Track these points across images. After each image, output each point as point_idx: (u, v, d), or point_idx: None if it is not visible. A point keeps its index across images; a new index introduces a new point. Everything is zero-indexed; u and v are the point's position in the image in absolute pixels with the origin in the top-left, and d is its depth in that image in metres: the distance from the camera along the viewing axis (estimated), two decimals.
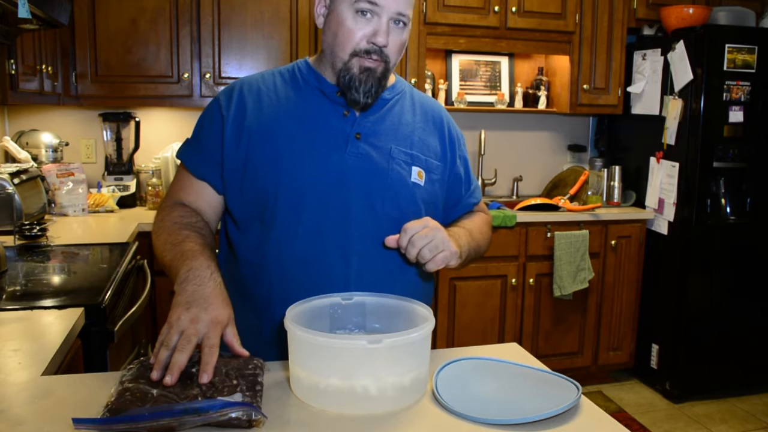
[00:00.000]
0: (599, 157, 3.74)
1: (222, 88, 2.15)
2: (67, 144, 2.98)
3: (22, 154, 2.73)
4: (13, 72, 2.20)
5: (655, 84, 3.34)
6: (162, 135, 3.21)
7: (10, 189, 2.27)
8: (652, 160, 3.36)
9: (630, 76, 3.52)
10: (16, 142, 2.79)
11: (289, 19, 2.98)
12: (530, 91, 3.60)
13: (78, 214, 2.75)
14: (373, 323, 1.13)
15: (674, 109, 3.17)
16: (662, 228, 3.30)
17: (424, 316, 1.04)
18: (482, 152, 3.53)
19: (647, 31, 3.49)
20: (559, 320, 3.27)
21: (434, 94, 3.43)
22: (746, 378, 3.31)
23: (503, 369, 1.10)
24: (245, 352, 1.03)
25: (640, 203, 3.47)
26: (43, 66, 2.53)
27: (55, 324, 1.31)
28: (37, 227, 2.19)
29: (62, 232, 2.40)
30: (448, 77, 3.52)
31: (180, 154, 1.30)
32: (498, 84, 3.61)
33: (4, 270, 1.75)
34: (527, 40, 3.31)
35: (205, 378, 0.94)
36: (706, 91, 3.06)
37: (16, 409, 0.92)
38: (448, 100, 3.48)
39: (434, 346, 1.78)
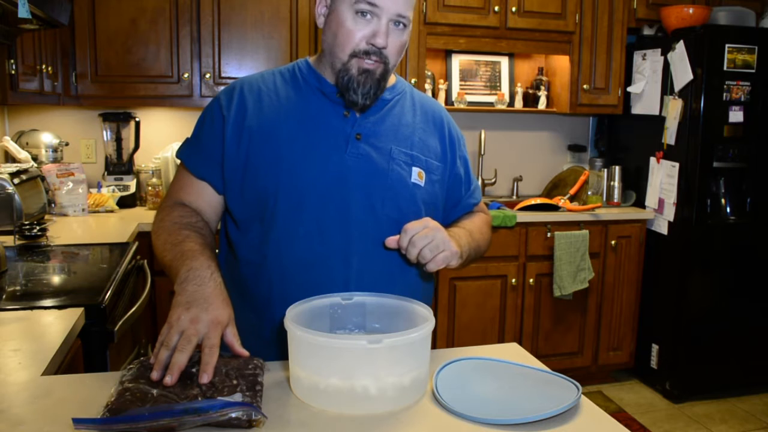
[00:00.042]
0: (599, 157, 3.74)
1: (222, 88, 2.16)
2: (67, 144, 2.98)
3: (22, 154, 2.73)
4: (13, 72, 2.20)
5: (655, 84, 3.34)
6: (162, 135, 3.21)
7: (10, 189, 2.27)
8: (652, 160, 3.36)
9: (630, 76, 3.52)
10: (16, 142, 2.79)
11: (289, 19, 2.99)
12: (530, 91, 3.60)
13: (78, 214, 2.75)
14: (373, 323, 1.13)
15: (674, 109, 3.17)
16: (662, 228, 3.30)
17: (424, 316, 1.04)
18: (482, 152, 3.53)
19: (647, 31, 3.49)
20: (559, 320, 3.27)
21: (434, 94, 3.43)
22: (746, 378, 3.31)
23: (503, 369, 1.10)
24: (245, 353, 1.03)
25: (640, 203, 3.47)
26: (43, 66, 2.53)
27: (55, 324, 1.31)
28: (37, 227, 2.19)
29: (62, 232, 2.40)
30: (448, 77, 3.52)
31: (180, 153, 1.30)
32: (498, 84, 3.61)
33: (4, 270, 1.75)
34: (527, 40, 3.31)
35: (205, 378, 0.94)
36: (706, 91, 3.06)
37: (16, 409, 0.92)
38: (448, 100, 3.48)
39: (434, 346, 1.78)
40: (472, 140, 3.53)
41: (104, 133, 3.10)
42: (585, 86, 3.42)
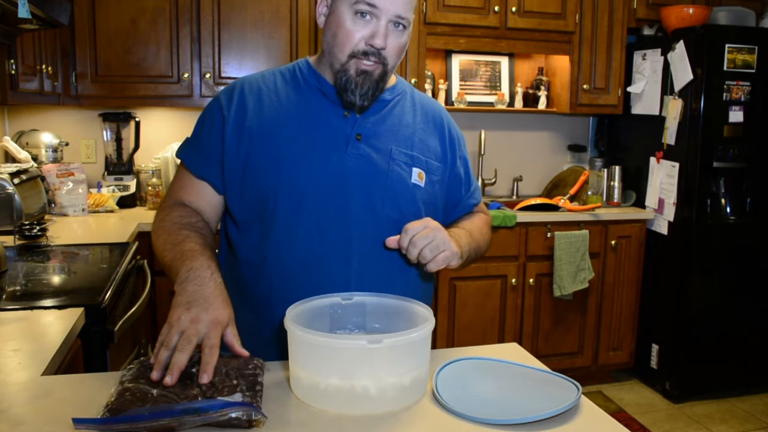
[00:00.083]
0: (599, 157, 3.74)
1: (222, 88, 2.16)
2: (67, 144, 2.98)
3: (22, 154, 2.73)
4: (13, 72, 2.20)
5: (655, 84, 3.34)
6: (162, 135, 3.21)
7: (10, 189, 2.27)
8: (652, 160, 3.36)
9: (630, 76, 3.52)
10: (16, 142, 2.79)
11: (289, 19, 2.99)
12: (530, 91, 3.60)
13: (78, 214, 2.75)
14: (373, 323, 1.13)
15: (674, 109, 3.17)
16: (662, 228, 3.30)
17: (424, 316, 1.04)
18: (482, 152, 3.53)
19: (647, 31, 3.49)
20: (559, 320, 3.27)
21: (434, 94, 3.43)
22: (746, 378, 3.31)
23: (503, 369, 1.10)
24: (245, 353, 1.03)
25: (640, 203, 3.47)
26: (43, 66, 2.53)
27: (55, 324, 1.31)
28: (37, 227, 2.19)
29: (62, 232, 2.40)
30: (448, 77, 3.52)
31: (180, 153, 1.30)
32: (498, 84, 3.61)
33: (4, 270, 1.75)
34: (527, 40, 3.31)
35: (205, 378, 0.94)
36: (706, 91, 3.06)
37: (16, 409, 0.92)
38: (448, 100, 3.48)
39: (434, 346, 1.78)
40: (472, 140, 3.53)
41: (104, 133, 3.10)
42: (585, 86, 3.42)
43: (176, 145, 3.03)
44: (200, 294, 1.03)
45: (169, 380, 0.93)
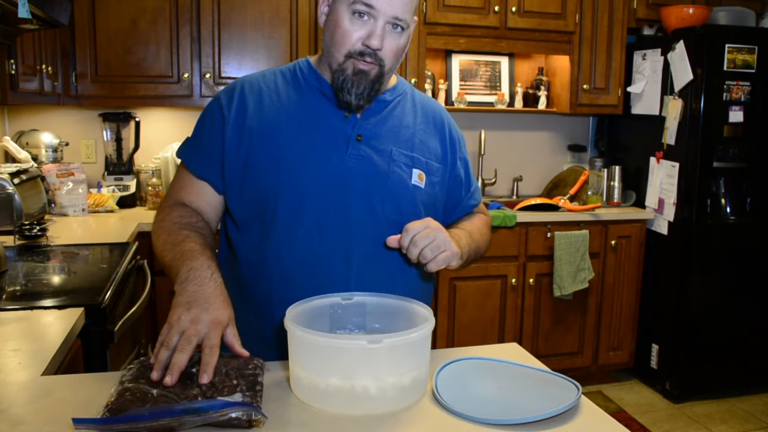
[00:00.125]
0: (599, 157, 3.74)
1: (222, 88, 2.16)
2: (67, 144, 2.98)
3: (22, 154, 2.73)
4: (13, 72, 2.20)
5: (655, 84, 3.34)
6: (162, 135, 3.21)
7: (10, 189, 2.27)
8: (652, 160, 3.36)
9: (630, 76, 3.52)
10: (16, 142, 2.79)
11: (289, 19, 2.99)
12: (530, 91, 3.60)
13: (78, 214, 2.75)
14: (373, 323, 1.13)
15: (674, 109, 3.17)
16: (662, 228, 3.30)
17: (424, 316, 1.04)
18: (482, 152, 3.53)
19: (647, 31, 3.49)
20: (559, 320, 3.27)
21: (434, 94, 3.43)
22: (746, 378, 3.31)
23: (503, 369, 1.10)
24: (245, 353, 1.03)
25: (640, 203, 3.47)
26: (43, 66, 2.53)
27: (55, 324, 1.31)
28: (37, 227, 2.19)
29: (62, 232, 2.40)
30: (448, 77, 3.52)
31: (180, 153, 1.30)
32: (498, 84, 3.61)
33: (4, 270, 1.75)
34: (527, 40, 3.31)
35: (205, 378, 0.94)
36: (706, 91, 3.06)
37: (16, 409, 0.92)
38: (448, 100, 3.48)
39: (434, 346, 1.78)
40: (472, 140, 3.53)
41: (104, 133, 3.10)
42: (585, 86, 3.42)
43: (176, 145, 3.03)
44: (200, 294, 1.03)
45: (169, 380, 0.93)
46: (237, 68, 2.95)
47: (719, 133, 3.09)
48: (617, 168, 3.45)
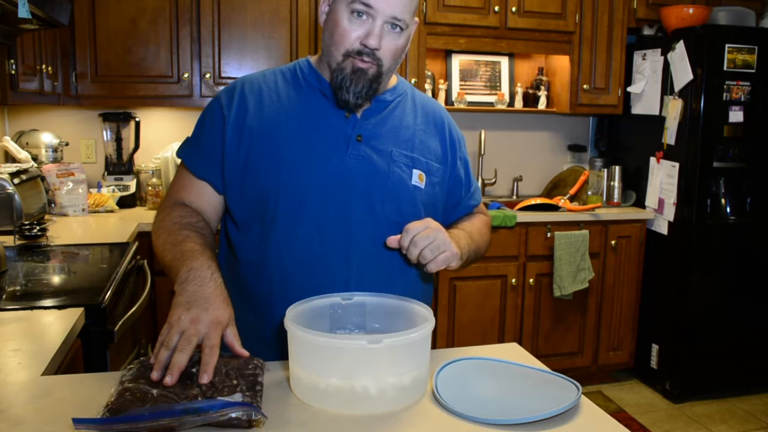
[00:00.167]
0: (599, 157, 3.74)
1: (222, 88, 2.15)
2: (67, 144, 2.98)
3: (22, 154, 2.73)
4: (13, 72, 2.20)
5: (655, 84, 3.34)
6: (162, 135, 3.21)
7: (10, 189, 2.27)
8: (652, 160, 3.36)
9: (630, 76, 3.52)
10: (16, 142, 2.79)
11: (289, 19, 2.99)
12: (530, 91, 3.60)
13: (78, 214, 2.75)
14: (373, 323, 1.13)
15: (674, 109, 3.17)
16: (662, 228, 3.30)
17: (424, 316, 1.04)
18: (482, 152, 3.53)
19: (647, 31, 3.49)
20: (559, 320, 3.27)
21: (434, 94, 3.43)
22: (746, 378, 3.31)
23: (503, 369, 1.10)
24: (245, 353, 1.03)
25: (640, 203, 3.47)
26: (43, 66, 2.53)
27: (55, 324, 1.31)
28: (37, 227, 2.19)
29: (62, 232, 2.40)
30: (448, 77, 3.52)
31: (180, 152, 1.30)
32: (498, 84, 3.61)
33: (4, 270, 1.75)
34: (527, 40, 3.31)
35: (205, 378, 0.94)
36: (706, 91, 3.06)
37: (16, 409, 0.92)
38: (448, 100, 3.48)
39: (434, 346, 1.78)
40: (472, 140, 3.53)
41: (104, 133, 3.10)
42: (585, 86, 3.42)
43: (176, 145, 3.03)
44: (200, 294, 1.03)
45: (169, 380, 0.93)
46: (237, 68, 2.95)
47: (719, 133, 3.09)
48: (617, 168, 3.45)
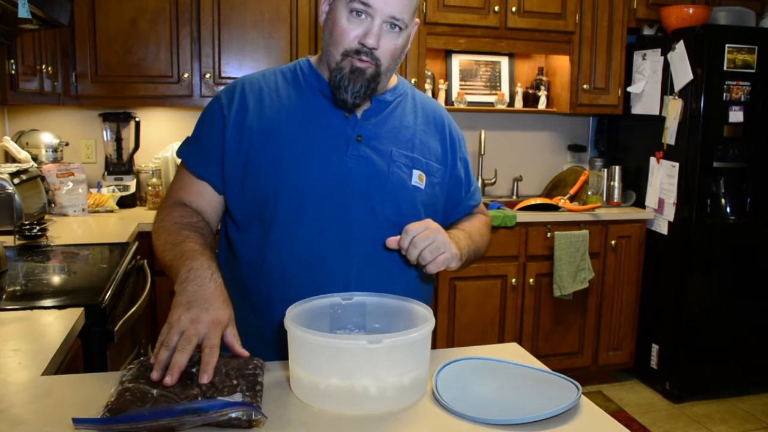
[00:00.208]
0: (599, 157, 3.74)
1: (222, 87, 2.15)
2: (67, 144, 2.98)
3: (22, 154, 2.73)
4: (13, 72, 2.20)
5: (655, 84, 3.34)
6: (162, 135, 3.21)
7: (10, 189, 2.27)
8: (652, 160, 3.36)
9: (630, 76, 3.52)
10: (16, 142, 2.79)
11: (289, 19, 2.99)
12: (530, 91, 3.60)
13: (78, 214, 2.75)
14: (373, 323, 1.13)
15: (674, 109, 3.17)
16: (662, 228, 3.30)
17: (424, 316, 1.04)
18: (482, 152, 3.53)
19: (647, 31, 3.49)
20: (559, 320, 3.27)
21: (434, 94, 3.43)
22: (746, 378, 3.31)
23: (503, 369, 1.10)
24: (245, 353, 1.03)
25: (640, 203, 3.47)
26: (43, 66, 2.53)
27: (55, 324, 1.31)
28: (37, 227, 2.19)
29: (62, 232, 2.40)
30: (448, 77, 3.52)
31: (180, 152, 1.30)
32: (498, 84, 3.61)
33: (4, 270, 1.74)
34: (527, 40, 3.31)
35: (205, 378, 0.94)
36: (706, 91, 3.06)
37: (16, 409, 0.92)
38: (448, 100, 3.48)
39: (434, 346, 1.78)
40: (472, 140, 3.53)
41: (104, 133, 3.10)
42: (585, 86, 3.42)
43: (176, 145, 3.03)
44: (200, 294, 1.03)
45: (169, 380, 0.93)
46: (237, 68, 2.95)
47: (719, 133, 3.09)
48: (617, 168, 3.45)
